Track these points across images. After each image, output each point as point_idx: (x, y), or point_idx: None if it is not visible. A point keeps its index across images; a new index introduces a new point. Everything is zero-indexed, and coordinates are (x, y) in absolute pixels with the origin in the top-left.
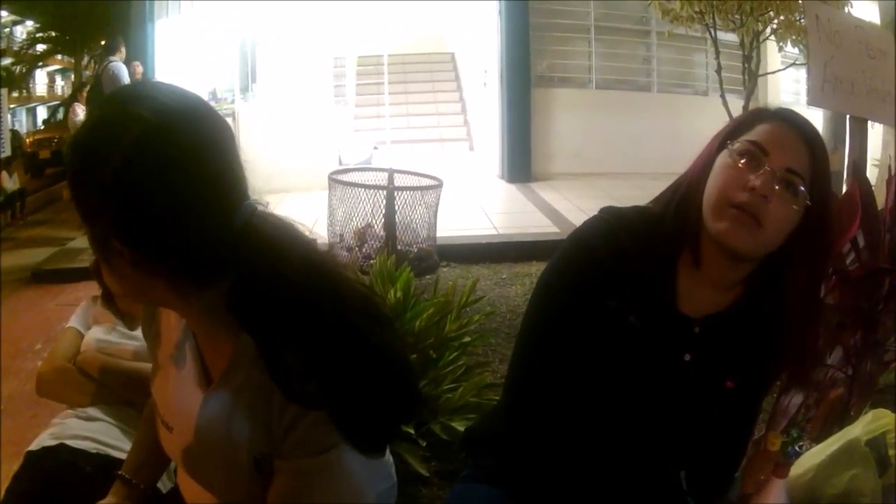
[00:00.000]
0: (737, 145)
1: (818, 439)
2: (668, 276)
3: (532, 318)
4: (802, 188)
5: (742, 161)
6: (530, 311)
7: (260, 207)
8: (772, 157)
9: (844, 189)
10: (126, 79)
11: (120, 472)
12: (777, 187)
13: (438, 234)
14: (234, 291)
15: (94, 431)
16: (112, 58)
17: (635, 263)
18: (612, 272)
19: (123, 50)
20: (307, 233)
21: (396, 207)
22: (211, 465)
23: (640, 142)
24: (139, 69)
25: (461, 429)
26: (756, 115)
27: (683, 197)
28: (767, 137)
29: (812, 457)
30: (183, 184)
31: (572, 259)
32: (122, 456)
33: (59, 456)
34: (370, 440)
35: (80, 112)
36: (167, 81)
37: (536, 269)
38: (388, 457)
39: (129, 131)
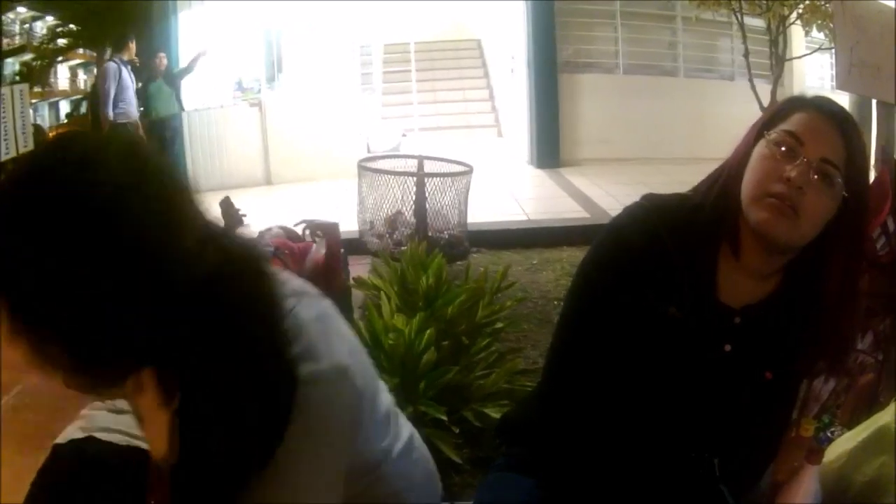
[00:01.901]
0: (773, 135)
1: (849, 425)
2: (708, 266)
3: (570, 308)
4: (839, 178)
5: (778, 151)
6: (569, 301)
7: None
8: (807, 148)
9: (872, 172)
10: (111, 80)
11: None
12: (813, 178)
13: (468, 221)
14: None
15: (123, 424)
16: (116, 57)
17: (675, 254)
18: (651, 262)
19: (132, 47)
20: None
21: (427, 194)
22: None
23: (667, 127)
24: (164, 61)
25: (494, 415)
26: (792, 104)
27: (722, 187)
28: (803, 127)
29: (842, 443)
30: (122, 255)
31: (611, 248)
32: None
33: (87, 449)
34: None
35: None
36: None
37: (567, 254)
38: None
39: (51, 210)
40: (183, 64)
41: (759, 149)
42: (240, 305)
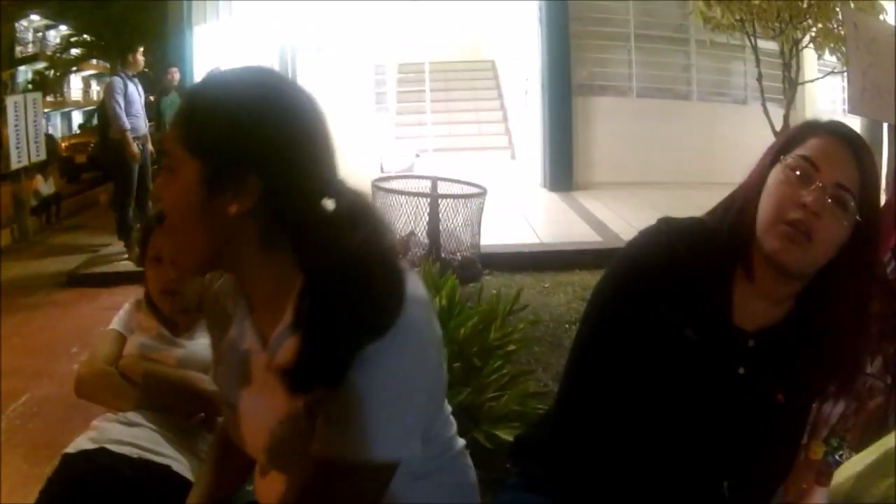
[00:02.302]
0: (789, 160)
1: (858, 448)
2: (723, 289)
3: (586, 328)
4: (852, 203)
5: (794, 176)
6: (585, 321)
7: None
8: (822, 173)
9: (883, 196)
10: (116, 94)
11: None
12: (828, 203)
13: (481, 243)
14: (307, 249)
15: (135, 437)
16: (121, 71)
17: (691, 276)
18: (667, 284)
19: (139, 60)
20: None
21: (440, 215)
22: (269, 426)
23: (681, 151)
24: (176, 75)
25: (505, 437)
26: (807, 129)
27: (738, 211)
28: (818, 152)
29: (851, 466)
30: (313, 128)
31: (627, 270)
32: (164, 462)
33: (99, 460)
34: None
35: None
36: None
37: (579, 278)
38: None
39: (272, 85)
40: (197, 80)
41: (775, 173)
42: (368, 211)
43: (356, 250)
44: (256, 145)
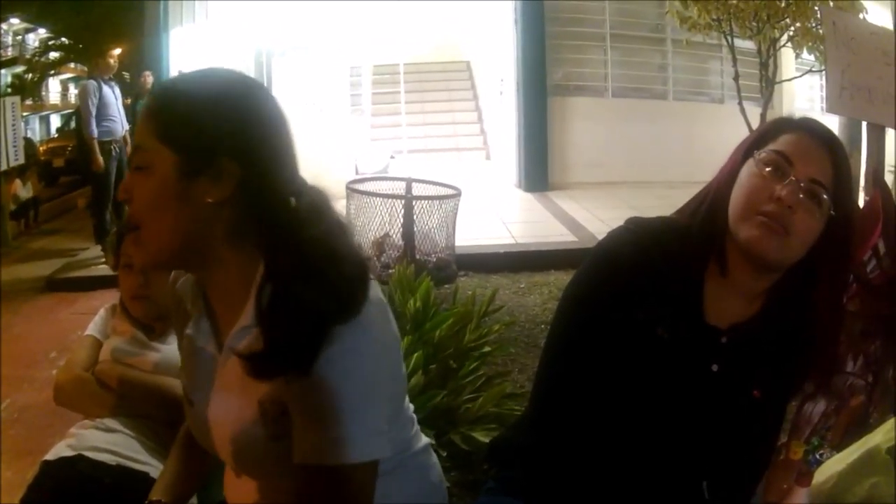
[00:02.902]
0: (762, 155)
1: (839, 447)
2: (694, 286)
3: (558, 330)
4: (826, 198)
5: (767, 171)
6: (556, 323)
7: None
8: (796, 168)
9: (861, 194)
10: (90, 97)
11: (150, 498)
12: (802, 197)
13: (456, 244)
14: (273, 239)
15: (113, 444)
16: (95, 75)
17: (662, 274)
18: (638, 284)
19: (112, 64)
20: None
21: (414, 217)
22: (229, 429)
23: (657, 150)
24: (149, 79)
25: (481, 439)
26: (780, 125)
27: (709, 207)
28: (792, 148)
29: (833, 465)
30: (280, 124)
31: (598, 270)
32: (142, 469)
33: (78, 467)
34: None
35: None
36: None
37: (555, 278)
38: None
39: (241, 82)
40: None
41: (748, 168)
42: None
43: (321, 239)
44: (234, 130)
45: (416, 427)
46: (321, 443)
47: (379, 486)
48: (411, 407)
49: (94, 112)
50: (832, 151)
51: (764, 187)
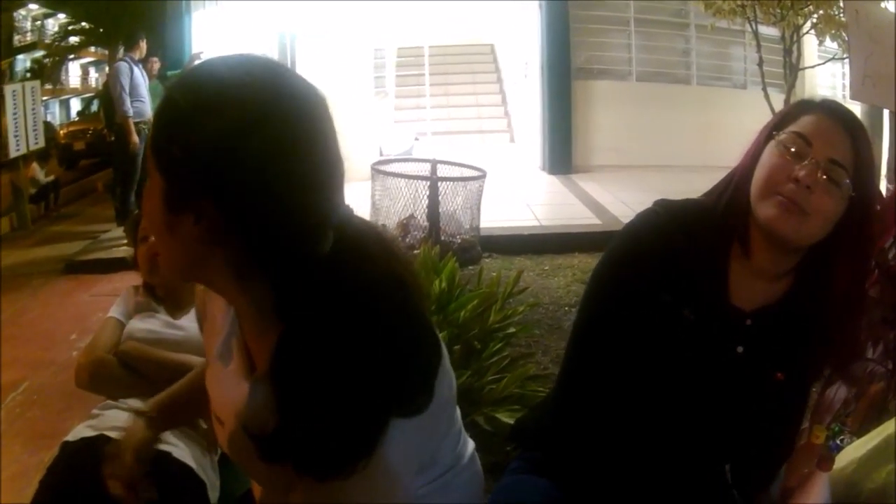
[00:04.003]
0: (782, 136)
1: (859, 434)
2: (720, 269)
3: (585, 312)
4: (846, 179)
5: (787, 151)
6: (583, 305)
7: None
8: (815, 148)
9: (884, 182)
10: (123, 77)
11: (141, 409)
12: (821, 178)
13: (480, 225)
14: (285, 287)
15: None
16: (126, 56)
17: (688, 257)
18: (664, 266)
19: (143, 46)
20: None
21: (440, 198)
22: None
23: (680, 134)
24: (156, 65)
25: (505, 420)
26: (801, 107)
27: (734, 188)
28: (812, 128)
29: (853, 451)
30: (298, 155)
31: (625, 253)
32: (165, 448)
33: (99, 447)
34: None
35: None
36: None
37: (579, 260)
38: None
39: (256, 94)
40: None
41: (769, 149)
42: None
43: (353, 306)
44: (212, 167)
45: (461, 441)
46: None
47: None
48: (459, 419)
49: (127, 92)
50: (853, 133)
51: (783, 167)
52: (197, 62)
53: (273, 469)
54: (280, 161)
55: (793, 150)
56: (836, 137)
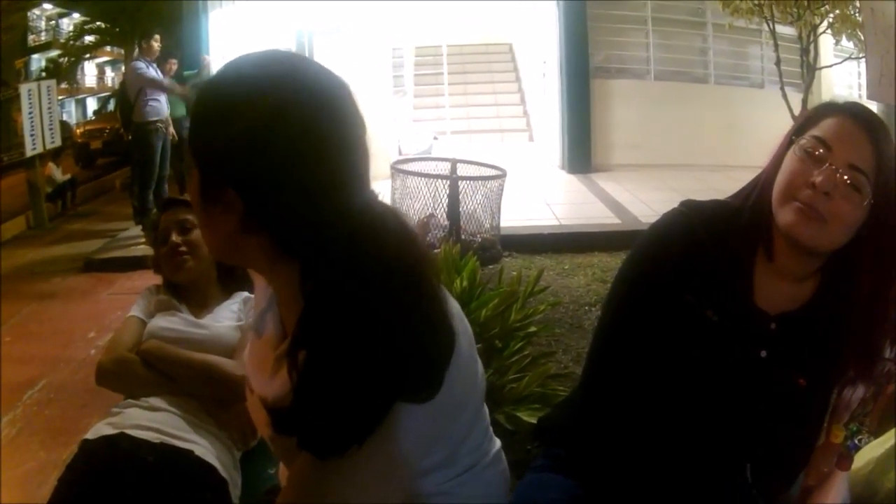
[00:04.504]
0: (803, 140)
1: (876, 433)
2: (745, 271)
3: (610, 311)
4: (867, 184)
5: (806, 156)
6: (608, 304)
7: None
8: (834, 153)
9: None
10: (149, 72)
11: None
12: (840, 183)
13: (500, 224)
14: (309, 271)
15: (156, 421)
16: (141, 58)
17: (713, 258)
18: (689, 266)
19: (156, 45)
20: (412, 227)
21: (460, 197)
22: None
23: (698, 133)
24: (174, 67)
25: (526, 419)
26: (823, 110)
27: (759, 191)
28: (831, 133)
29: (870, 450)
30: (320, 150)
31: (650, 253)
32: (186, 447)
33: (120, 445)
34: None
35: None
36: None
37: (599, 259)
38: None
39: (276, 91)
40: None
41: (790, 154)
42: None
43: (366, 288)
44: (236, 161)
45: (489, 435)
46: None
47: (445, 496)
48: (486, 419)
49: (155, 83)
50: (874, 136)
51: (801, 173)
52: (206, 66)
53: (285, 442)
54: (303, 153)
55: (811, 155)
56: (857, 142)
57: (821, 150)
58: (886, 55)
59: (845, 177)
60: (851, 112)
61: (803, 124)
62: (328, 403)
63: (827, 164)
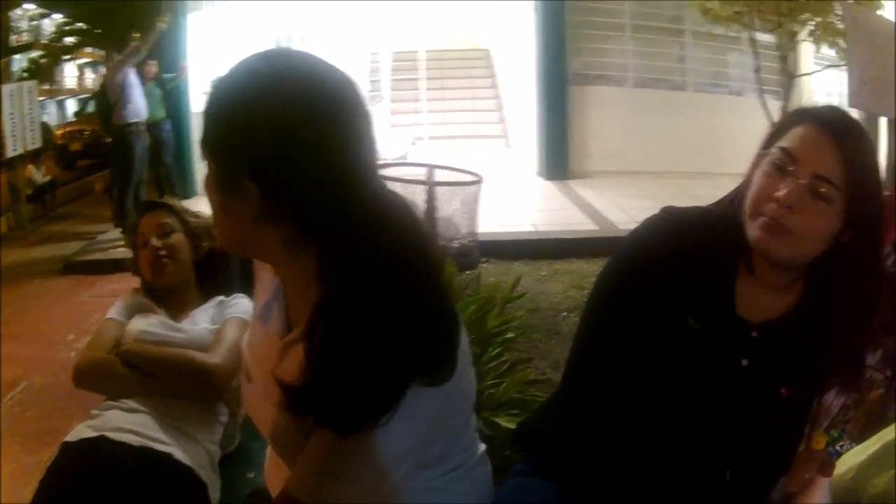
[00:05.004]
0: (771, 151)
1: (858, 440)
2: (727, 279)
3: (591, 316)
4: (835, 194)
5: (772, 169)
6: (589, 309)
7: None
8: (800, 164)
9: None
10: (121, 72)
11: None
12: (804, 196)
13: (478, 230)
14: (326, 257)
15: (136, 424)
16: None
17: (695, 265)
18: (671, 273)
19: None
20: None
21: (436, 203)
22: (278, 420)
23: (676, 141)
24: (153, 68)
25: (504, 424)
26: (793, 118)
27: (738, 203)
28: (797, 143)
29: (852, 457)
30: (332, 141)
31: (631, 259)
32: (165, 450)
33: (100, 448)
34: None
35: None
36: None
37: (576, 266)
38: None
39: (289, 85)
40: (190, 69)
41: (761, 164)
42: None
43: (383, 272)
44: (253, 152)
45: (476, 437)
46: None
47: (437, 493)
48: (474, 423)
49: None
50: (843, 143)
51: (766, 187)
52: (186, 72)
53: (290, 428)
54: (318, 143)
55: (777, 167)
56: (824, 151)
57: (786, 162)
58: (869, 64)
59: (812, 187)
60: (821, 120)
61: (774, 134)
62: (351, 379)
63: (790, 178)
